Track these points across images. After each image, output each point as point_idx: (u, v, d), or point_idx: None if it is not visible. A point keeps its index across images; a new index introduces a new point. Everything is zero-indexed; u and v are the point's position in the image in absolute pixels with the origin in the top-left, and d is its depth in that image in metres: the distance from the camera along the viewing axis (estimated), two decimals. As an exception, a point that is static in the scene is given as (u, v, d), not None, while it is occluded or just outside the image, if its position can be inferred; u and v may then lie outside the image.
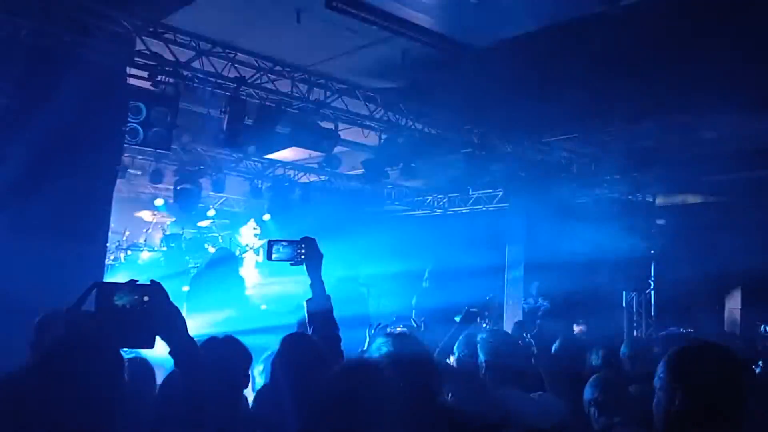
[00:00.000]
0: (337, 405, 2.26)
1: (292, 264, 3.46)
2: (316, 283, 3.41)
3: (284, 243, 3.45)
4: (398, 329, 6.87)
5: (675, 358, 2.20)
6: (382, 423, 2.25)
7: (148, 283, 2.42)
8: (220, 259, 8.16)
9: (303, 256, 3.43)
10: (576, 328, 8.05)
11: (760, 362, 5.68)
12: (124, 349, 2.70)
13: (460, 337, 4.63)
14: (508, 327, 8.75)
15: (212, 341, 2.92)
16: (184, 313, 2.48)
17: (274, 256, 3.44)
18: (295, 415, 2.63)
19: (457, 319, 5.10)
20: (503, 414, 3.04)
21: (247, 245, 13.70)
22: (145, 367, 3.31)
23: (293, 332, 3.15)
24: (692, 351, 2.24)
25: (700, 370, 2.14)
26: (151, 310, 2.36)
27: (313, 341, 3.08)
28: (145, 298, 2.36)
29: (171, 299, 2.46)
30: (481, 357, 4.02)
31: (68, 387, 2.06)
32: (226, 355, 2.79)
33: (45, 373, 2.11)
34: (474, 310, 4.93)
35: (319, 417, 2.31)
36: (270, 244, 3.45)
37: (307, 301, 3.38)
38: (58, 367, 2.09)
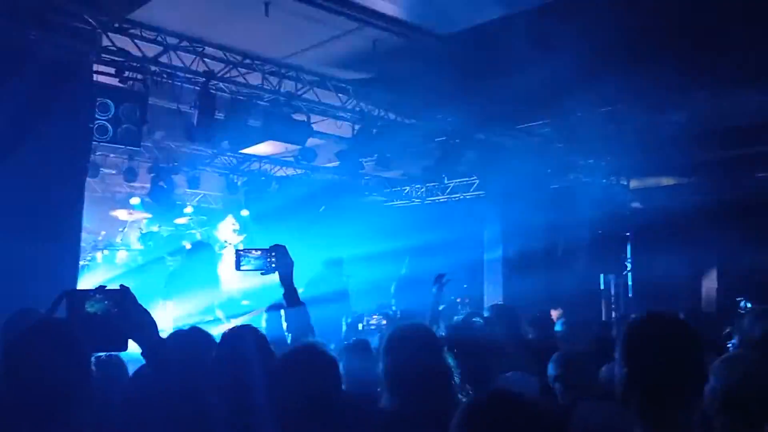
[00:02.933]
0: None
1: (262, 273, 3.37)
2: (290, 292, 3.33)
3: (253, 252, 3.35)
4: (374, 318, 6.92)
5: (624, 332, 2.20)
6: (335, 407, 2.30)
7: (117, 288, 2.46)
8: (195, 252, 8.08)
9: (274, 265, 3.33)
10: (553, 313, 8.10)
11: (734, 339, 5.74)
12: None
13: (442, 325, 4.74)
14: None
15: (177, 334, 2.93)
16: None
17: (243, 267, 3.34)
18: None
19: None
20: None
21: (225, 241, 13.65)
22: (115, 361, 3.33)
23: (237, 326, 3.13)
24: (639, 325, 2.21)
25: (643, 345, 2.11)
26: (122, 313, 2.41)
27: (259, 335, 3.07)
28: (115, 303, 2.42)
29: (140, 301, 2.49)
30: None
31: (32, 389, 2.06)
32: (192, 346, 2.80)
33: (8, 374, 2.10)
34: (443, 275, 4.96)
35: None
36: (238, 255, 3.36)
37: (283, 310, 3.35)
38: (22, 369, 2.09)
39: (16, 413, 2.04)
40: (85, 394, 2.16)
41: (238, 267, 3.37)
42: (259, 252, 3.35)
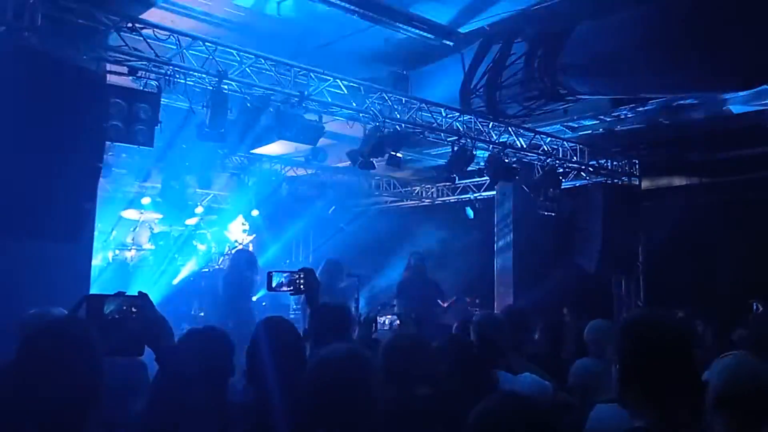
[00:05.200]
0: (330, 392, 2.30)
1: (291, 294, 3.79)
2: (316, 312, 3.57)
3: (284, 273, 3.71)
4: (388, 318, 6.87)
5: (617, 332, 2.23)
6: (374, 407, 2.28)
7: (136, 294, 2.59)
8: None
9: (302, 286, 3.66)
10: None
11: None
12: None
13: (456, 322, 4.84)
14: (498, 308, 8.82)
15: (192, 334, 2.94)
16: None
17: (274, 286, 3.68)
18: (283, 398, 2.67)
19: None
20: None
21: (236, 241, 13.70)
22: (136, 363, 3.36)
23: (271, 317, 3.19)
24: (630, 325, 2.25)
25: (634, 344, 2.15)
26: (139, 319, 2.53)
27: (292, 324, 3.14)
28: (133, 309, 2.54)
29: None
30: (473, 336, 4.11)
31: (44, 386, 2.06)
32: (207, 347, 2.82)
33: (23, 373, 2.11)
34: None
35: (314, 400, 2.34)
36: (270, 275, 3.70)
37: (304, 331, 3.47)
38: (36, 365, 2.11)
39: (27, 411, 2.04)
40: (97, 393, 2.17)
41: (269, 287, 3.70)
42: (288, 273, 3.71)
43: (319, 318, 3.50)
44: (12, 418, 2.03)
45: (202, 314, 11.09)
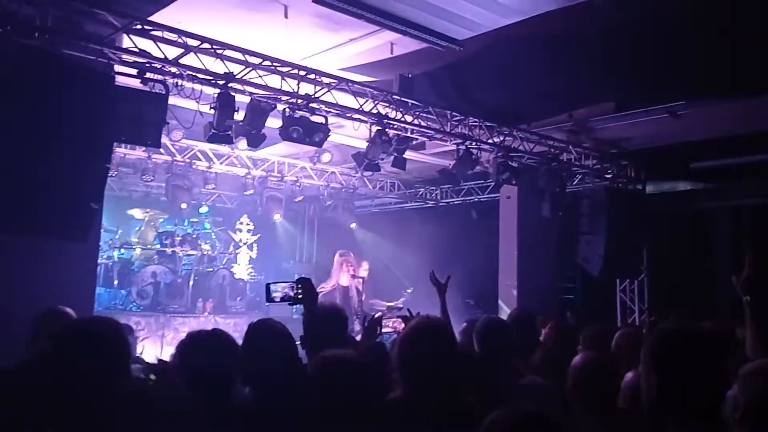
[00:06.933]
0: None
1: (290, 304, 3.87)
2: (314, 322, 3.59)
3: (282, 284, 3.74)
4: (393, 320, 6.87)
5: (649, 342, 2.24)
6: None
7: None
8: None
9: (300, 296, 3.68)
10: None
11: None
12: None
13: (463, 324, 4.89)
14: (502, 314, 8.81)
15: (196, 338, 2.97)
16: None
17: (272, 297, 3.72)
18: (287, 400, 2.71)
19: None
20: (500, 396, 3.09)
21: (240, 241, 13.74)
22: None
23: (263, 319, 3.23)
24: (663, 336, 2.26)
25: (675, 358, 2.15)
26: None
27: (284, 326, 3.18)
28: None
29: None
30: (476, 342, 4.11)
31: (73, 370, 2.27)
32: (212, 352, 2.85)
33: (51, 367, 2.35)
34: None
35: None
36: (268, 287, 3.74)
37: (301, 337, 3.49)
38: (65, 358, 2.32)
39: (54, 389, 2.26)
40: (117, 386, 2.35)
41: (268, 299, 3.74)
42: (286, 284, 3.73)
43: (315, 325, 3.55)
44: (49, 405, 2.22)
45: (206, 313, 11.15)
